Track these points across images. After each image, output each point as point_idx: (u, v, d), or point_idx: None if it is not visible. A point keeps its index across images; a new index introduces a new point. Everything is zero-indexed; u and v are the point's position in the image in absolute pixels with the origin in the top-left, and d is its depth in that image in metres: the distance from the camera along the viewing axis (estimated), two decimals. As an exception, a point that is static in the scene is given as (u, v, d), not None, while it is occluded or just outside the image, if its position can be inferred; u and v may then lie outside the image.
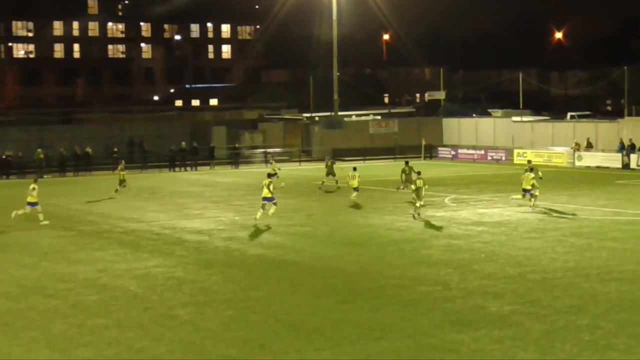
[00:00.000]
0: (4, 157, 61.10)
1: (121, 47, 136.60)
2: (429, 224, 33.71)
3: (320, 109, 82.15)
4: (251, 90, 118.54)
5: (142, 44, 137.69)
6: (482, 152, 68.79)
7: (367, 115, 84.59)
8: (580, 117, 77.32)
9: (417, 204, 35.46)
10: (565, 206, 38.15)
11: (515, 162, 64.06)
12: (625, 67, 68.42)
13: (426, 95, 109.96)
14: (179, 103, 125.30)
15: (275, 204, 34.75)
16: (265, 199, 34.41)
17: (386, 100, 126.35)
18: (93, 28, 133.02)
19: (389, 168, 59.21)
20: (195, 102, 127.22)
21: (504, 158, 66.37)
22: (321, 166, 51.42)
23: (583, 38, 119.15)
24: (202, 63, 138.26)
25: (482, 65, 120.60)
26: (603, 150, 61.57)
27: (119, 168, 46.27)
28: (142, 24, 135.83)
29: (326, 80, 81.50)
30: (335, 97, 76.22)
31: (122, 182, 45.22)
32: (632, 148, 59.04)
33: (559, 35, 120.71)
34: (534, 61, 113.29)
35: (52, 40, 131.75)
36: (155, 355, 17.15)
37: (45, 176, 57.81)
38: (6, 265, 26.78)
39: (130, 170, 51.25)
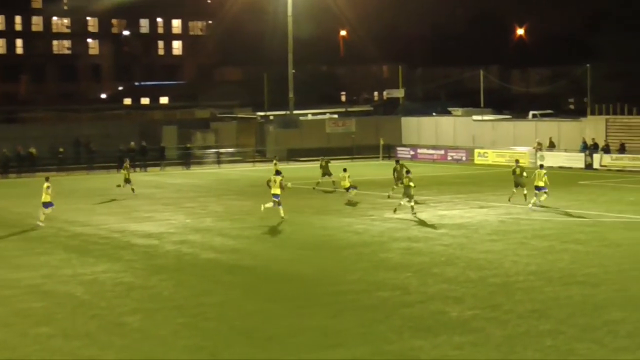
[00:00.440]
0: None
1: (67, 43, 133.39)
2: (387, 227, 33.29)
3: (275, 107, 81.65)
4: (203, 88, 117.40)
5: (89, 40, 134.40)
6: (442, 152, 68.49)
7: (324, 114, 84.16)
8: (542, 115, 77.47)
9: (410, 204, 35.65)
10: (527, 207, 37.77)
11: (476, 162, 64.06)
12: (588, 65, 68.45)
13: (384, 93, 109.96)
14: (127, 101, 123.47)
15: (280, 203, 35.17)
16: (275, 195, 34.99)
17: (343, 98, 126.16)
18: (37, 22, 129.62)
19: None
20: (145, 101, 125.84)
21: (464, 158, 66.09)
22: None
23: (545, 35, 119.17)
24: (151, 59, 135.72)
25: (442, 62, 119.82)
26: (566, 150, 61.40)
27: (124, 167, 46.71)
28: (88, 18, 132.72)
29: (281, 78, 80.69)
30: (291, 95, 75.67)
31: (127, 180, 45.39)
32: (594, 148, 58.95)
33: (520, 31, 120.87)
34: (495, 58, 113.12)
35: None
36: (103, 365, 16.73)
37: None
38: (-54, 271, 25.91)
39: (77, 172, 50.40)
